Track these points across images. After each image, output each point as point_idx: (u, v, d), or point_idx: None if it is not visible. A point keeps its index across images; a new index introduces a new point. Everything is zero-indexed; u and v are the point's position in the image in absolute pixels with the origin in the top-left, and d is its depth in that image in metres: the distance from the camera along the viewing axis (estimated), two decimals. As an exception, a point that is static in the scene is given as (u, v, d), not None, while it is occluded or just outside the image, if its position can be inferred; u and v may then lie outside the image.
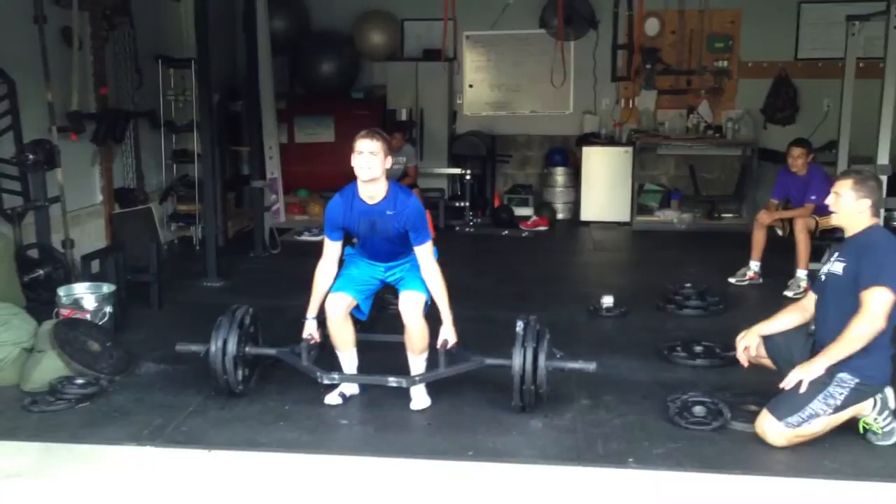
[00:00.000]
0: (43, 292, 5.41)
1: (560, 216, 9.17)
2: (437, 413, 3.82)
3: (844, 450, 3.41)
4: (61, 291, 4.86)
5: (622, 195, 8.84)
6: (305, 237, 7.97)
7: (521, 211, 9.07)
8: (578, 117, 9.55)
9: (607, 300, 5.44)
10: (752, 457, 3.36)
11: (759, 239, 6.24)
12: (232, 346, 3.81)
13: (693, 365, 4.40)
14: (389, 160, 3.69)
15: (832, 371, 3.38)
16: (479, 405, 3.90)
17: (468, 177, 8.88)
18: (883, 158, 5.63)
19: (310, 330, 3.87)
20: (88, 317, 4.70)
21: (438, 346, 3.78)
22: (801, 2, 8.98)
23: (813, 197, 6.09)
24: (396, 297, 3.95)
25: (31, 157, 5.54)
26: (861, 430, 3.50)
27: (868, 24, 6.40)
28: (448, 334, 3.78)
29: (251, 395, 4.00)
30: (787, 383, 3.41)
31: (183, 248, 7.79)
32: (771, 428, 3.42)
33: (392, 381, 3.75)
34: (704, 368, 4.37)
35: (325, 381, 3.81)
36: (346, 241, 3.93)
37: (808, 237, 5.99)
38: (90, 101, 6.68)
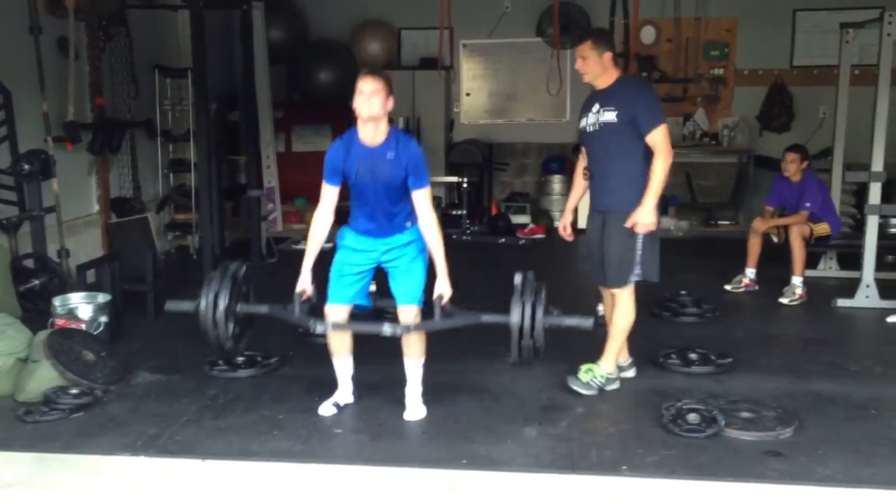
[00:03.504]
0: (38, 302, 5.41)
1: (557, 224, 9.16)
2: (432, 422, 3.81)
3: (837, 457, 3.41)
4: (56, 301, 4.86)
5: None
6: (302, 246, 7.90)
7: (518, 219, 9.09)
8: (575, 125, 9.53)
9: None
10: (746, 464, 3.35)
11: (754, 246, 6.25)
12: (223, 301, 3.72)
13: (688, 372, 4.39)
14: (391, 101, 3.60)
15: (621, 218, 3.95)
16: (474, 414, 3.90)
17: (465, 185, 8.89)
18: (877, 165, 5.64)
19: (303, 285, 3.78)
20: (84, 327, 4.70)
21: (434, 298, 3.71)
22: (796, 10, 9.02)
23: (808, 204, 6.11)
24: (394, 307, 3.91)
25: (26, 167, 5.55)
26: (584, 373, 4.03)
27: (862, 31, 6.43)
28: (443, 287, 3.71)
29: (246, 404, 4.00)
30: (632, 223, 3.92)
31: (180, 257, 7.81)
32: (625, 290, 4.04)
33: (387, 327, 3.69)
34: (699, 376, 4.37)
35: (320, 330, 3.76)
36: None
37: (804, 244, 6.01)
38: (86, 111, 6.70)
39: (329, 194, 3.74)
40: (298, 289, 3.79)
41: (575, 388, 4.01)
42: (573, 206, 4.45)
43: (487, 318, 3.77)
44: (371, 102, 3.53)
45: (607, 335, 4.15)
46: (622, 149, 3.95)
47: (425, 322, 3.78)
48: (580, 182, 4.40)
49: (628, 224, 3.92)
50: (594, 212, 4.18)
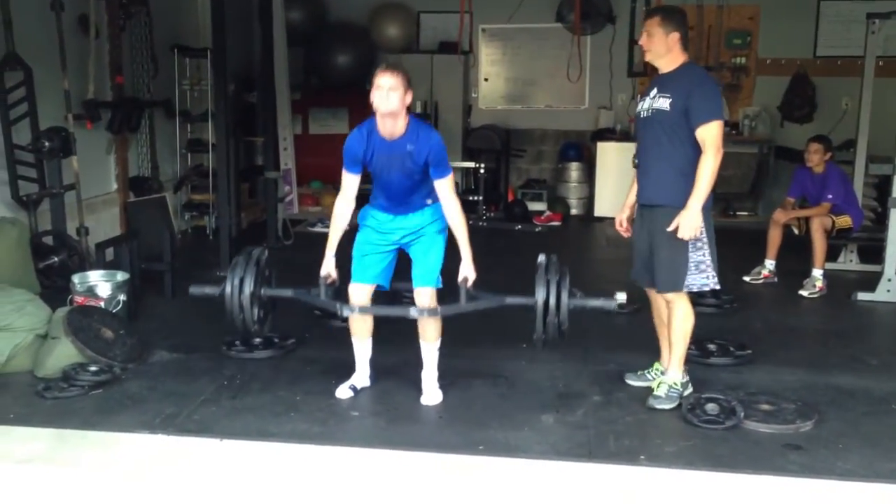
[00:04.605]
0: (57, 279, 5.44)
1: (574, 211, 9.14)
2: (449, 407, 3.81)
3: (857, 451, 3.39)
4: (76, 279, 4.88)
5: (637, 191, 8.80)
6: (318, 228, 7.98)
7: (534, 206, 9.05)
8: (594, 112, 9.52)
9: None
10: (765, 456, 3.33)
11: (774, 237, 6.19)
12: (249, 285, 3.74)
13: (706, 363, 4.36)
14: (410, 95, 3.57)
15: (669, 214, 3.68)
16: (491, 400, 3.90)
17: (482, 171, 8.86)
18: (902, 157, 5.58)
19: (328, 269, 3.80)
20: (102, 304, 4.71)
21: (459, 281, 3.72)
22: (820, -2, 8.91)
23: (830, 196, 6.05)
24: (410, 291, 3.93)
25: (46, 144, 5.56)
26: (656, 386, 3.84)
27: (888, 22, 6.33)
28: (468, 271, 3.72)
29: (263, 385, 4.01)
30: (675, 227, 3.66)
31: (196, 237, 7.82)
32: (679, 296, 3.77)
33: (413, 311, 3.71)
34: (718, 367, 4.34)
35: (346, 314, 3.75)
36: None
37: (825, 236, 5.95)
38: (106, 90, 6.71)
39: (349, 182, 3.75)
40: (323, 272, 3.80)
41: (659, 406, 3.75)
42: (631, 201, 4.07)
43: (512, 300, 3.77)
44: (389, 98, 3.51)
45: (670, 345, 3.87)
46: (672, 139, 3.68)
47: (451, 305, 3.77)
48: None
49: (671, 228, 3.66)
50: (640, 205, 3.92)
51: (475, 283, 3.74)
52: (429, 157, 3.60)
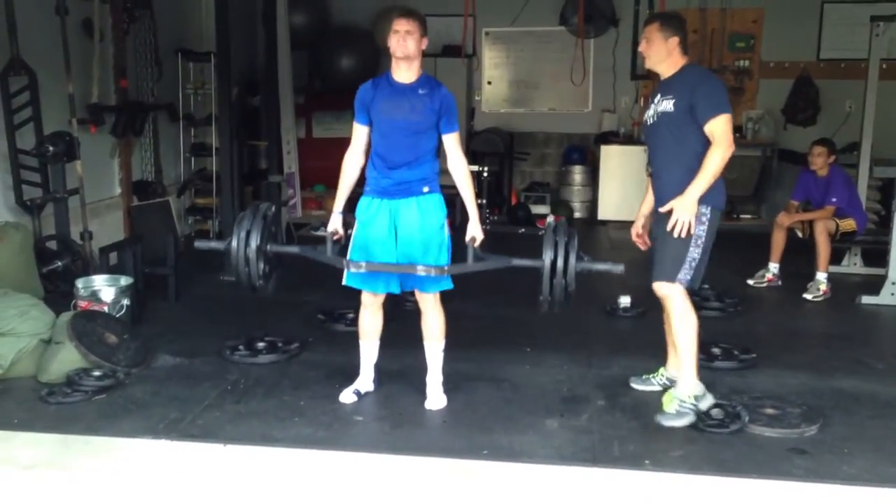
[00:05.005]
0: (61, 284, 5.44)
1: (577, 215, 9.14)
2: (453, 411, 3.80)
3: (862, 455, 3.37)
4: (79, 283, 4.88)
5: (640, 194, 8.72)
6: (322, 232, 7.93)
7: (538, 209, 9.04)
8: (597, 115, 9.52)
9: (624, 300, 5.41)
10: (770, 461, 3.32)
11: (778, 241, 6.18)
12: (255, 239, 3.67)
13: (711, 367, 4.34)
14: (425, 41, 3.63)
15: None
16: (495, 404, 3.89)
17: (485, 174, 8.85)
18: (906, 161, 5.57)
19: (335, 225, 3.77)
20: (106, 309, 4.71)
21: (466, 241, 3.71)
22: (824, 1, 8.90)
23: (834, 199, 6.04)
24: (413, 295, 3.92)
25: (51, 148, 5.56)
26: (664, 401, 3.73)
27: (893, 24, 6.32)
28: (475, 231, 3.72)
29: (267, 389, 4.00)
30: (665, 209, 3.65)
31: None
32: (673, 291, 3.68)
33: (421, 269, 3.64)
34: (722, 371, 4.33)
35: (353, 269, 3.67)
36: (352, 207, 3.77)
37: (829, 239, 5.94)
38: (110, 94, 6.71)
39: (359, 134, 3.75)
40: (330, 229, 3.77)
41: (668, 423, 3.61)
42: (646, 211, 3.99)
43: (519, 261, 3.75)
44: (406, 42, 3.55)
45: (676, 350, 3.79)
46: (679, 139, 3.63)
47: (457, 265, 3.75)
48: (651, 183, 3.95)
49: (664, 209, 3.63)
50: (657, 213, 3.82)
51: (483, 241, 3.74)
52: (441, 108, 3.62)
